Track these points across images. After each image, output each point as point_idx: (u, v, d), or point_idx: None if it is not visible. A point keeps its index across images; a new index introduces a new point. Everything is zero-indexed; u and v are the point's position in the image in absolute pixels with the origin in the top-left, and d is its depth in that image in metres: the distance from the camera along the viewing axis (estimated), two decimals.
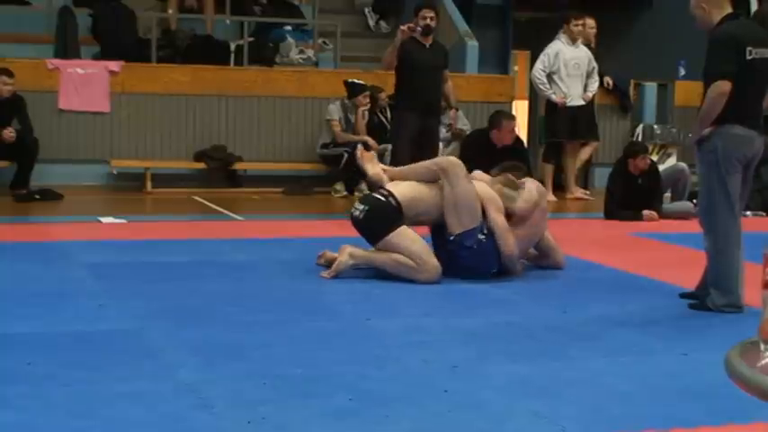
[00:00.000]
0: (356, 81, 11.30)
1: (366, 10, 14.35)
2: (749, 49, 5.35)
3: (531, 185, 6.56)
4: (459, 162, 6.33)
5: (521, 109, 15.85)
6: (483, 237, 6.21)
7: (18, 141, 10.18)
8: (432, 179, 6.32)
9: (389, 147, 10.26)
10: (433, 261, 6.15)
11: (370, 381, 4.06)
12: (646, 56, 14.43)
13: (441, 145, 10.93)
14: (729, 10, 5.47)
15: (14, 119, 10.35)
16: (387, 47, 9.56)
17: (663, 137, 12.53)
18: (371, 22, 14.31)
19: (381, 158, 10.93)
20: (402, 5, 13.60)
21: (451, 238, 6.22)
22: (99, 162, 11.16)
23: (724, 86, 5.28)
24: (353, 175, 11.10)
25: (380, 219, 6.19)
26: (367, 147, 10.99)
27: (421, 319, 5.26)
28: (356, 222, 6.28)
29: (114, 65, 11.29)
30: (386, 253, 6.18)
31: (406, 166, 6.68)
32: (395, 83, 9.35)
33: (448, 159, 6.46)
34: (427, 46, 9.22)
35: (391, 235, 6.14)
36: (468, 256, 6.21)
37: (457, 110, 10.90)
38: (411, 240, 6.17)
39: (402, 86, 9.22)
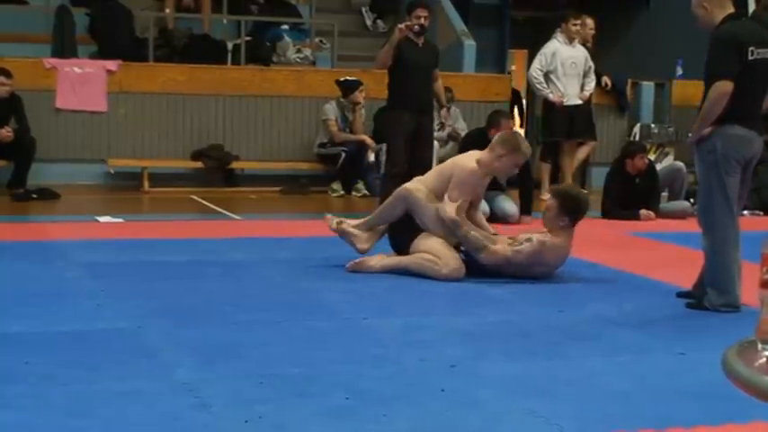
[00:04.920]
0: (348, 78, 11.30)
1: (363, 9, 14.35)
2: (751, 49, 5.34)
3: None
4: (414, 188, 6.50)
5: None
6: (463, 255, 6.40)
7: (15, 140, 10.18)
8: (403, 209, 6.49)
9: (384, 146, 10.24)
10: (454, 256, 6.29)
11: (367, 380, 4.07)
12: (643, 55, 14.43)
13: (436, 145, 10.95)
14: (731, 10, 5.46)
15: (12, 118, 10.35)
16: (384, 46, 9.55)
17: (660, 136, 12.53)
18: (368, 22, 14.31)
19: (377, 157, 10.96)
20: (399, 5, 13.60)
21: None
22: (96, 161, 11.15)
23: (725, 87, 5.27)
24: (351, 174, 11.13)
25: (400, 232, 6.50)
26: (365, 148, 11.05)
27: (418, 318, 5.27)
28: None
29: (111, 64, 11.28)
30: (410, 255, 6.42)
31: (375, 214, 6.75)
32: (388, 83, 9.35)
33: (404, 188, 6.56)
34: (420, 45, 9.23)
35: (414, 242, 6.40)
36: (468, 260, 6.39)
37: (448, 108, 10.92)
38: (430, 242, 6.36)
39: (396, 86, 9.22)
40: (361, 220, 6.70)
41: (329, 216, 6.80)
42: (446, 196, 6.37)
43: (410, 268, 6.36)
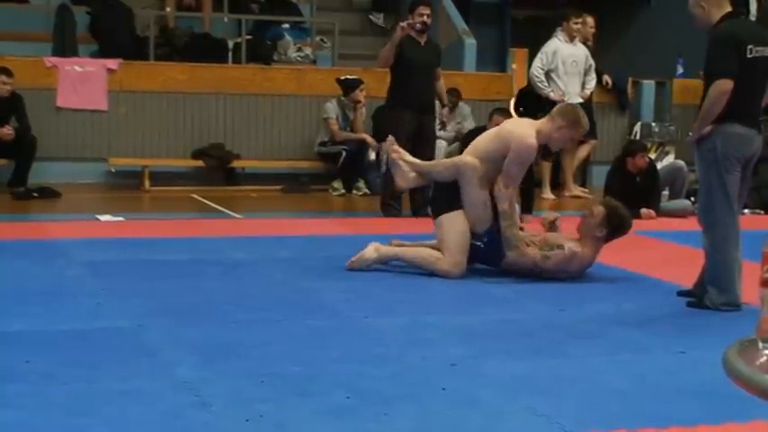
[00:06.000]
0: (349, 77, 11.30)
1: (372, 15, 14.34)
2: (750, 47, 5.34)
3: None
4: (474, 165, 6.34)
5: None
6: (481, 243, 6.35)
7: (16, 139, 10.19)
8: (452, 176, 6.44)
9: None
10: (459, 257, 6.27)
11: (368, 379, 4.07)
12: (644, 53, 14.43)
13: (444, 144, 10.97)
14: (729, 8, 5.46)
15: (12, 117, 10.35)
16: (385, 45, 9.56)
17: (661, 135, 12.53)
18: (378, 21, 14.29)
19: (378, 156, 10.96)
20: (400, 4, 13.60)
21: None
22: (97, 160, 11.15)
23: (725, 85, 5.27)
24: (351, 173, 11.13)
25: (440, 198, 6.48)
26: (365, 146, 11.05)
27: (419, 317, 5.26)
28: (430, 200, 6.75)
29: (112, 63, 11.28)
30: (412, 249, 6.44)
31: (431, 163, 6.89)
32: (390, 81, 9.35)
33: (463, 161, 6.45)
34: (422, 44, 9.23)
35: (444, 216, 6.35)
36: (480, 249, 6.37)
37: (450, 108, 10.93)
38: (453, 230, 6.32)
39: (398, 84, 9.21)
40: (416, 161, 6.75)
41: (391, 138, 6.96)
42: (500, 179, 6.26)
43: (407, 258, 6.38)
